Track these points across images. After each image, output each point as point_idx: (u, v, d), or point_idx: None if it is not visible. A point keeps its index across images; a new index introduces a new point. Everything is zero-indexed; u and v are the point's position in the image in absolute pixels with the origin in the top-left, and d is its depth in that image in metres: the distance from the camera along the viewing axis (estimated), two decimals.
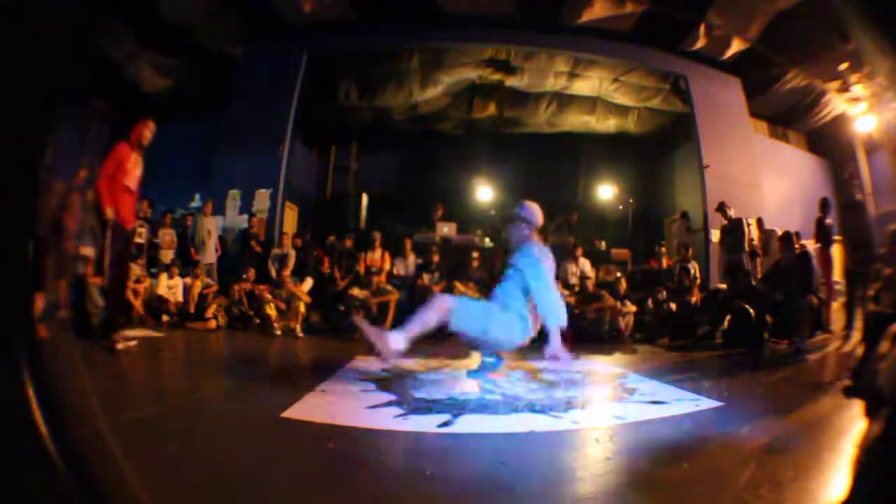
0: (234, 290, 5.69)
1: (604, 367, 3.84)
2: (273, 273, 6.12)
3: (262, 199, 7.42)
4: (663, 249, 7.60)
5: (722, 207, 6.29)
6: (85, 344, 3.60)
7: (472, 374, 3.05)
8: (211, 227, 6.59)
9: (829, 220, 5.66)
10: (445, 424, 2.00)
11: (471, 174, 10.13)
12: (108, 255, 3.64)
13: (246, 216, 7.34)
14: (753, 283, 5.47)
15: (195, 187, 7.89)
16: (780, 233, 5.67)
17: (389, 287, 5.58)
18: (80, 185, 4.05)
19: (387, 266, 6.32)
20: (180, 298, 5.71)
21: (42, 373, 0.73)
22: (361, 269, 6.15)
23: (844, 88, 7.80)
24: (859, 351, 3.77)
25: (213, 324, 5.45)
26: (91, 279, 4.05)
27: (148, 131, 3.83)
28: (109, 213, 3.61)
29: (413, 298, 6.07)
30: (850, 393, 2.54)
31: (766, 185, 7.96)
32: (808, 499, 1.32)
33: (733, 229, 6.06)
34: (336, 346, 4.72)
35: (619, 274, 6.73)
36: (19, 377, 0.70)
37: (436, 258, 6.47)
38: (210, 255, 6.48)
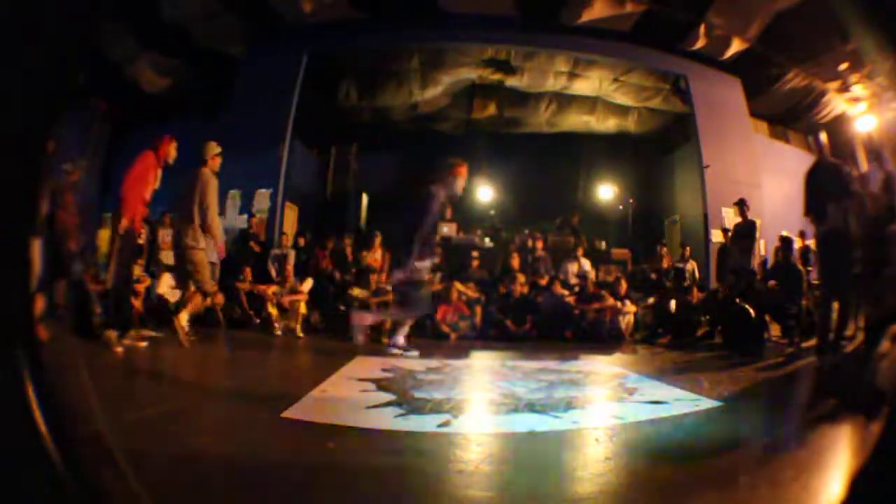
0: (233, 289, 5.68)
1: (604, 367, 3.85)
2: (273, 273, 6.11)
3: (262, 199, 7.42)
4: (664, 250, 7.59)
5: (741, 203, 6.08)
6: (85, 344, 3.60)
7: None
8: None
9: None
10: (445, 425, 2.01)
11: (471, 174, 10.08)
12: (115, 259, 3.66)
13: (246, 216, 7.34)
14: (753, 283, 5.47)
15: None
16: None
17: (389, 287, 5.57)
18: (80, 185, 4.06)
19: (387, 266, 6.30)
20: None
21: (42, 373, 0.73)
22: (361, 268, 6.13)
23: (844, 88, 7.78)
24: (859, 351, 3.78)
25: None
26: (94, 283, 4.06)
27: (174, 150, 3.92)
28: (125, 222, 3.65)
29: None
30: (850, 393, 2.54)
31: (766, 185, 7.94)
32: (808, 499, 1.32)
33: (747, 232, 5.88)
34: (336, 346, 4.71)
35: (619, 274, 6.72)
36: (19, 377, 0.70)
37: (436, 258, 6.45)
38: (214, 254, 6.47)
